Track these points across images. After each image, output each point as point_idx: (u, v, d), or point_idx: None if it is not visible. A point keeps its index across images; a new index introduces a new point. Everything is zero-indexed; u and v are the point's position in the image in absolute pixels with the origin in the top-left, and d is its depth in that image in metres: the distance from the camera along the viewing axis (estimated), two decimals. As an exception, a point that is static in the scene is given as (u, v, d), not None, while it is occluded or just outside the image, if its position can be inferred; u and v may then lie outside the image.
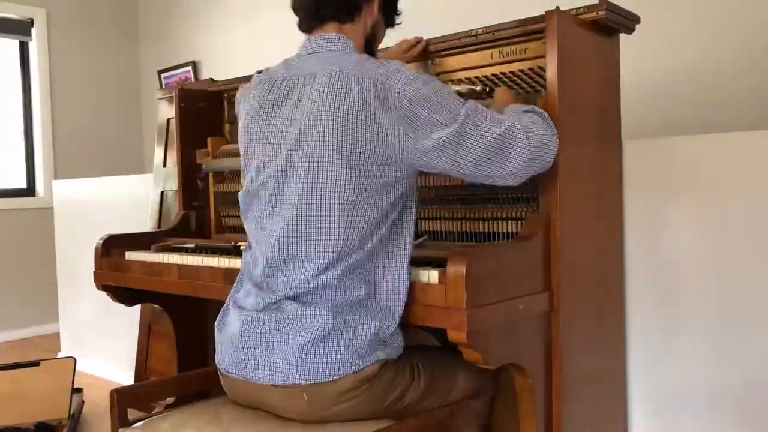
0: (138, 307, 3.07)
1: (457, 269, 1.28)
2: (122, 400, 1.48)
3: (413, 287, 1.37)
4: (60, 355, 3.83)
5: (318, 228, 1.33)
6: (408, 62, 1.80)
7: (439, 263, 1.41)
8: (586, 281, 1.64)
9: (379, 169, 1.32)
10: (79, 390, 2.95)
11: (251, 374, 1.36)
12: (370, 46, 1.53)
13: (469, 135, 1.32)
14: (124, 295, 2.14)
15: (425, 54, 1.86)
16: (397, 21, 1.59)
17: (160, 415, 1.48)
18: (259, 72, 1.53)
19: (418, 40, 1.84)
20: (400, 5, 1.59)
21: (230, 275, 1.76)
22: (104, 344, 3.55)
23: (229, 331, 1.42)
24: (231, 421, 1.39)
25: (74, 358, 2.66)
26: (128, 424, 1.47)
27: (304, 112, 1.35)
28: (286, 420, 1.37)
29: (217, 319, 1.50)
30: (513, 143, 1.35)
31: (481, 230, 1.73)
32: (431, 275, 1.36)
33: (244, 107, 1.49)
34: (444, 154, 1.32)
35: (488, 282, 1.33)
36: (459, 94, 1.49)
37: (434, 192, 1.81)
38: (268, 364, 1.33)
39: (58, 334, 4.03)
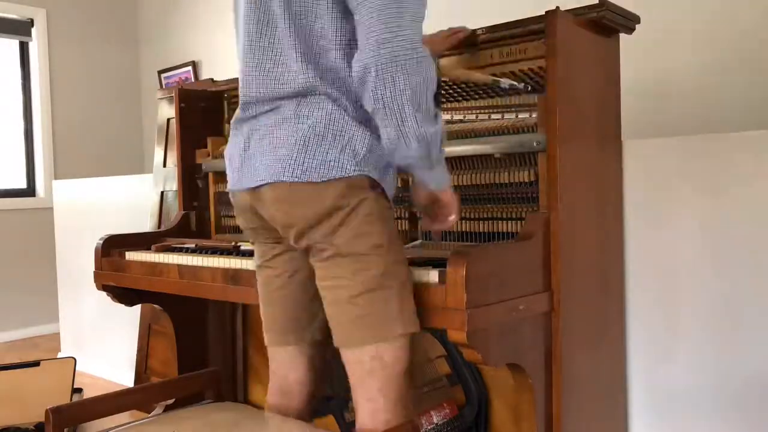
0: (138, 307, 3.06)
1: (457, 269, 1.28)
2: (58, 419, 1.40)
3: (413, 287, 1.37)
4: (60, 355, 3.83)
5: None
6: (448, 50, 1.75)
7: (439, 263, 1.41)
8: (586, 281, 1.64)
9: None
10: (79, 390, 2.95)
11: (248, 181, 1.33)
12: None
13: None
14: (124, 295, 2.14)
15: (468, 43, 1.76)
16: None
17: (120, 426, 1.45)
18: None
19: (462, 29, 1.75)
20: None
21: (230, 275, 1.77)
22: (104, 344, 3.55)
23: (235, 145, 1.39)
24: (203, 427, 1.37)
25: (74, 358, 2.66)
26: None
27: None
28: (274, 425, 1.37)
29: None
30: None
31: (481, 230, 1.73)
32: (431, 275, 1.36)
33: None
34: None
35: (488, 282, 1.33)
36: (500, 88, 1.51)
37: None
38: (264, 165, 1.29)
39: (58, 334, 4.03)
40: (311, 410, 1.57)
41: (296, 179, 1.25)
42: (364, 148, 1.27)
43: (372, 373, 1.30)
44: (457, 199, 1.41)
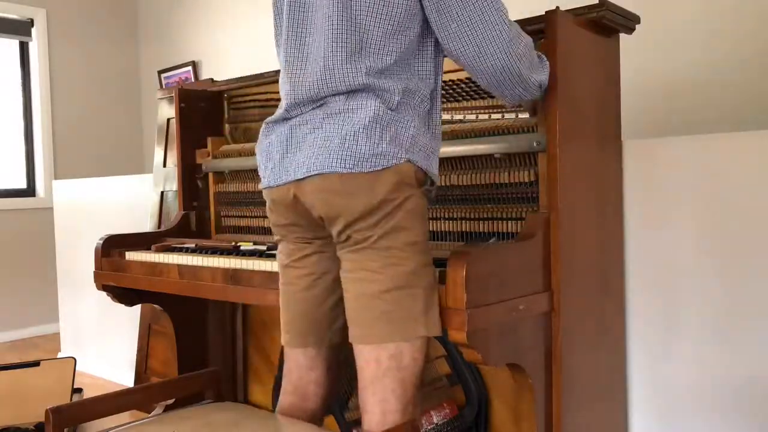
0: (138, 307, 3.07)
1: (457, 269, 1.28)
2: (58, 419, 1.41)
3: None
4: (60, 355, 3.83)
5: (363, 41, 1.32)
6: None
7: (439, 263, 1.41)
8: (586, 281, 1.64)
9: None
10: (79, 390, 2.95)
11: (293, 173, 1.34)
12: None
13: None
14: (124, 295, 2.14)
15: None
16: None
17: (119, 426, 1.45)
18: None
19: None
20: None
21: (230, 275, 1.77)
22: (104, 344, 3.55)
23: (275, 142, 1.41)
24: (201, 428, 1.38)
25: (74, 358, 2.66)
26: None
27: None
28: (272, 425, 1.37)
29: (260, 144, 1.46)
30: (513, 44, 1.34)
31: (481, 230, 1.73)
32: (431, 275, 1.35)
33: None
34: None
35: (488, 282, 1.33)
36: None
37: (434, 192, 1.81)
38: (312, 157, 1.31)
39: (58, 334, 4.03)
40: (324, 412, 1.57)
41: (348, 170, 1.27)
42: (410, 139, 1.30)
43: (388, 373, 1.30)
44: None
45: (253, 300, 1.76)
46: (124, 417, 1.90)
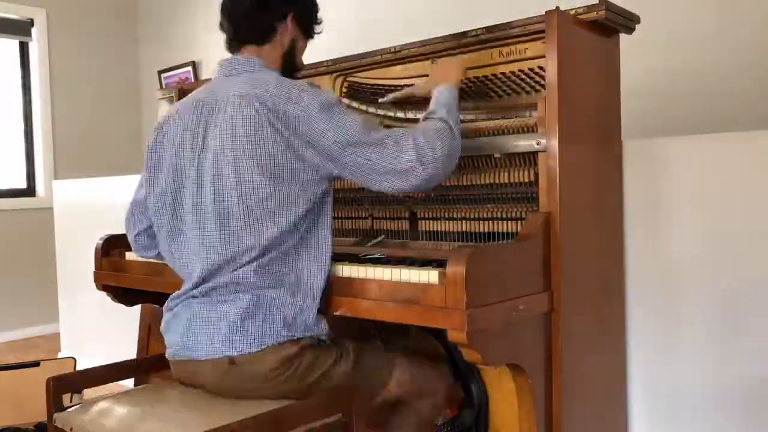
0: (138, 307, 3.06)
1: (457, 269, 1.28)
2: (57, 387, 1.56)
3: (413, 287, 1.37)
4: (60, 355, 3.83)
5: (242, 228, 1.44)
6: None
7: (439, 263, 1.41)
8: (586, 281, 1.64)
9: (291, 177, 1.43)
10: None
11: (189, 352, 1.47)
12: (290, 60, 1.64)
13: (362, 158, 1.44)
14: (124, 295, 2.14)
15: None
16: (317, 31, 1.70)
17: (95, 398, 1.56)
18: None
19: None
20: (319, 15, 1.69)
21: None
22: (104, 344, 3.55)
23: (172, 321, 1.53)
24: (154, 403, 1.49)
25: (74, 358, 2.66)
26: (62, 409, 1.55)
27: (216, 137, 1.46)
28: (219, 399, 1.45)
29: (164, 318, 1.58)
30: (408, 170, 1.44)
31: (481, 230, 1.73)
32: (431, 275, 1.36)
33: (168, 131, 1.57)
34: (339, 164, 1.45)
35: (488, 282, 1.33)
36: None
37: (434, 192, 1.81)
38: (203, 342, 1.44)
39: (58, 334, 4.03)
40: None
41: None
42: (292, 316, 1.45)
43: None
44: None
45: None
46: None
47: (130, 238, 1.73)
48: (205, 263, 1.46)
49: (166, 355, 1.54)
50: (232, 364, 1.42)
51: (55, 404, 1.54)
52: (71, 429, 1.47)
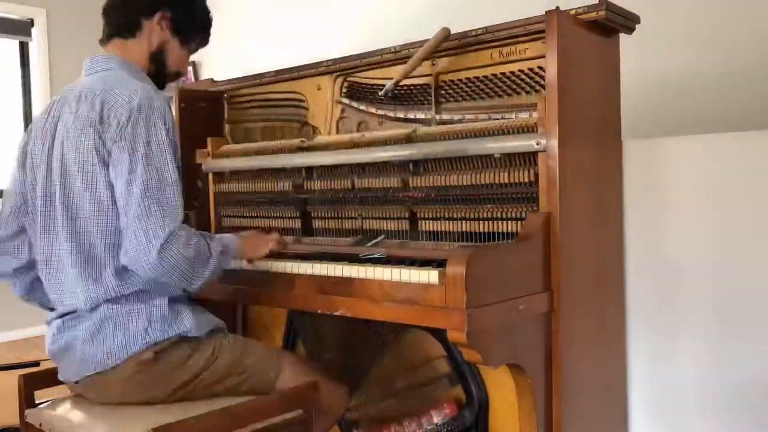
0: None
1: (457, 269, 1.28)
2: (28, 383, 1.61)
3: (413, 287, 1.37)
4: (60, 355, 3.83)
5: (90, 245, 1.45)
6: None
7: (439, 263, 1.41)
8: (586, 281, 1.64)
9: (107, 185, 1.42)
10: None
11: (67, 375, 1.51)
12: (158, 63, 1.64)
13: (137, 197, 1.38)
14: (124, 295, 2.14)
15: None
16: (195, 45, 1.70)
17: (64, 396, 1.60)
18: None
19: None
20: (207, 31, 1.70)
21: (230, 275, 1.77)
22: (104, 344, 3.55)
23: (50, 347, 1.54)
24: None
25: (74, 358, 2.66)
26: (34, 405, 1.60)
27: (59, 137, 1.48)
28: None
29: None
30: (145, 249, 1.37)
31: (481, 230, 1.73)
32: (431, 275, 1.36)
33: (32, 131, 1.61)
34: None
35: (488, 282, 1.33)
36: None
37: (434, 192, 1.81)
38: (69, 365, 1.48)
39: (58, 334, 4.03)
40: None
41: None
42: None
43: None
44: (256, 233, 1.74)
45: (252, 300, 1.75)
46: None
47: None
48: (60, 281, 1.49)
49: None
50: (91, 377, 1.44)
51: (26, 401, 1.59)
52: (41, 424, 1.52)
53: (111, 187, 1.41)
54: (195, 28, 1.68)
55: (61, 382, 1.58)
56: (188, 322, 1.48)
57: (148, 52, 1.61)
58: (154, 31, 1.61)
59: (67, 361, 1.48)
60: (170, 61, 1.65)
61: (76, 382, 1.49)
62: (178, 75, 1.69)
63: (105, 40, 1.63)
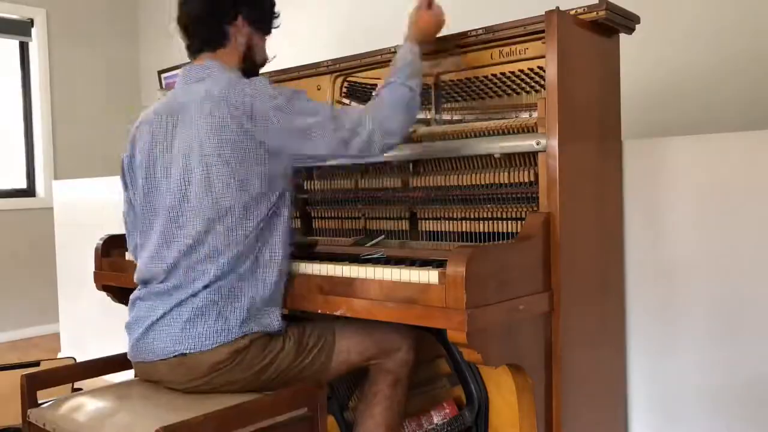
0: (138, 307, 3.06)
1: (457, 269, 1.28)
2: (31, 383, 1.62)
3: (413, 287, 1.37)
4: (60, 355, 3.83)
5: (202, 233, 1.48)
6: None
7: (439, 263, 1.41)
8: (586, 281, 1.64)
9: (258, 175, 1.48)
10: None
11: (144, 354, 1.52)
12: (249, 59, 1.67)
13: (322, 132, 1.50)
14: (124, 295, 2.14)
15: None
16: (275, 25, 1.72)
17: (67, 395, 1.61)
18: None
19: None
20: (277, 9, 1.71)
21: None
22: (104, 344, 3.55)
23: (132, 321, 1.56)
24: (125, 399, 1.54)
25: (74, 358, 2.66)
26: (36, 405, 1.61)
27: (184, 141, 1.50)
28: (187, 395, 1.49)
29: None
30: (356, 140, 1.52)
31: (481, 230, 1.73)
32: (431, 275, 1.36)
33: (139, 143, 1.60)
34: (303, 141, 1.50)
35: (488, 282, 1.33)
36: None
37: (434, 192, 1.81)
38: (158, 344, 1.48)
39: (58, 334, 4.03)
40: None
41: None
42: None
43: None
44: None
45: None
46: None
47: (131, 252, 1.77)
48: (164, 263, 1.51)
49: (128, 356, 1.59)
50: (183, 357, 1.46)
51: (29, 401, 1.61)
52: (44, 424, 1.52)
53: (261, 176, 1.48)
54: (266, 12, 1.70)
55: (63, 382, 1.58)
56: (277, 315, 1.54)
57: (240, 54, 1.64)
58: (239, 33, 1.63)
59: (157, 338, 1.50)
60: (258, 54, 1.69)
61: (163, 360, 1.49)
62: (263, 63, 1.72)
63: (193, 53, 1.65)
